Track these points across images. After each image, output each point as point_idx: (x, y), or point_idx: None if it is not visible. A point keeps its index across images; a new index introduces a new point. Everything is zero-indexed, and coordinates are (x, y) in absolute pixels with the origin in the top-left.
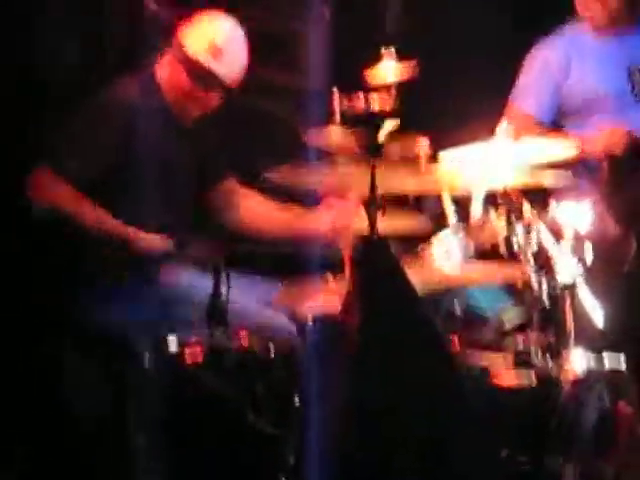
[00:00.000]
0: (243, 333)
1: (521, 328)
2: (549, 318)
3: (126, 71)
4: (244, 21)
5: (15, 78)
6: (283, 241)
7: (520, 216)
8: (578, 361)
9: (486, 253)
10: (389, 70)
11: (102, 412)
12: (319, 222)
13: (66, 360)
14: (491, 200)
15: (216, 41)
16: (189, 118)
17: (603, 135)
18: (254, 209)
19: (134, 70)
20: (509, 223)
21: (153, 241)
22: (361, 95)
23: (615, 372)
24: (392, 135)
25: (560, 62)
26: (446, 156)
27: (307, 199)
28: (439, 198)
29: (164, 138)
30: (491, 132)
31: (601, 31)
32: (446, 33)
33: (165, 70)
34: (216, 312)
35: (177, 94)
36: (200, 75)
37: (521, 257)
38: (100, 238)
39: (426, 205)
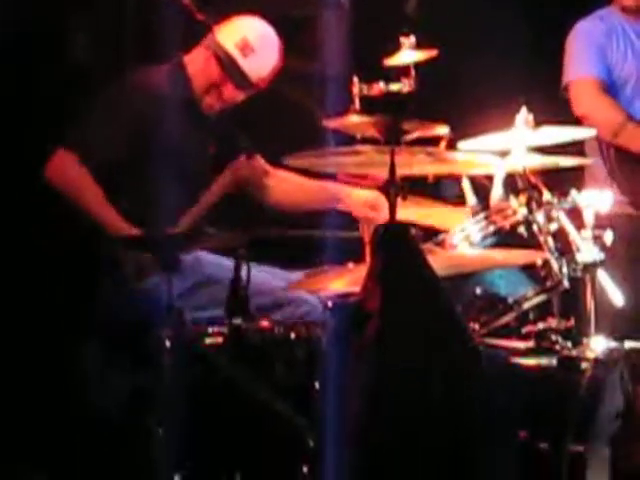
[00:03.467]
0: (264, 319)
1: (542, 313)
2: (570, 302)
3: (151, 59)
4: (263, 7)
5: (39, 62)
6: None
7: (540, 200)
8: (599, 345)
9: (506, 238)
10: (408, 56)
11: (125, 398)
12: (360, 201)
13: (89, 346)
14: (511, 185)
15: (248, 38)
16: (212, 110)
17: None
18: (286, 184)
19: (160, 59)
20: (529, 207)
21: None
22: (381, 81)
23: (636, 353)
24: (412, 121)
25: (602, 34)
26: (466, 144)
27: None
28: (459, 183)
29: (186, 126)
30: (510, 121)
31: (632, 16)
32: (466, 19)
33: (196, 61)
34: (237, 299)
35: (205, 85)
36: (229, 68)
37: (541, 241)
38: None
39: (445, 190)
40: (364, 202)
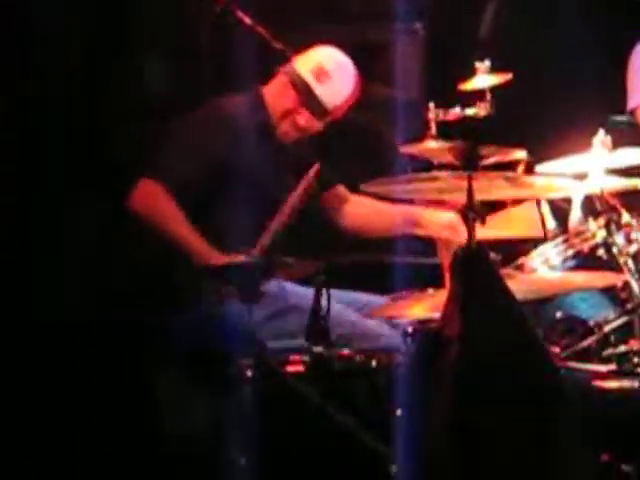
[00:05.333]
0: (345, 348)
1: (623, 335)
2: None
3: (229, 88)
4: (340, 33)
5: (123, 92)
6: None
7: (619, 223)
8: None
9: (586, 260)
10: (484, 80)
11: (207, 429)
12: (439, 222)
13: (169, 376)
14: (590, 207)
15: (324, 65)
16: (288, 138)
17: None
18: (365, 209)
19: (239, 89)
20: (608, 230)
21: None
22: (457, 107)
23: None
24: (489, 146)
25: None
26: (543, 168)
27: None
28: (538, 207)
29: (264, 154)
30: (588, 144)
31: None
32: (542, 45)
33: (273, 90)
34: (317, 327)
35: (281, 112)
36: (304, 94)
37: (621, 263)
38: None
39: None
40: (442, 223)
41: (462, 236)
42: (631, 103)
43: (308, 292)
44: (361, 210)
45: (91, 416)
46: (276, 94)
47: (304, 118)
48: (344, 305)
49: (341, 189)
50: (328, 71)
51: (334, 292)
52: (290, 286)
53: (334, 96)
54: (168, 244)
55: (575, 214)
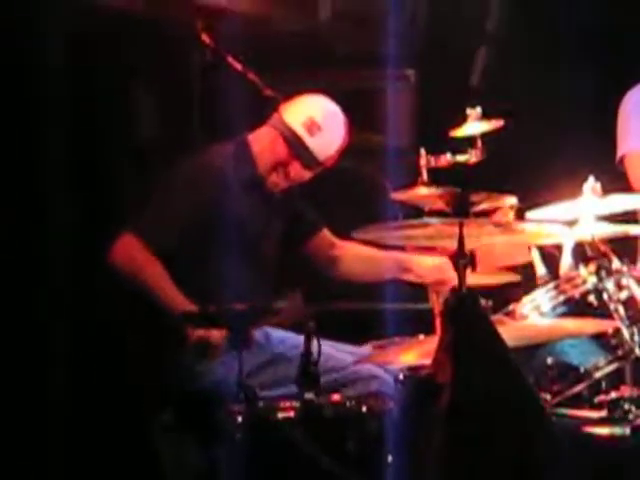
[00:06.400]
0: (335, 394)
1: (614, 382)
2: None
3: (218, 135)
4: (331, 80)
5: (106, 144)
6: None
7: (610, 269)
8: None
9: (577, 307)
10: (475, 127)
11: (195, 472)
12: (428, 267)
13: (160, 424)
14: (580, 253)
15: (315, 118)
16: (277, 188)
17: None
18: (353, 254)
19: (229, 135)
20: (599, 276)
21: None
22: (448, 153)
23: None
24: (480, 193)
25: None
26: (534, 214)
27: None
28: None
29: (252, 206)
30: (578, 190)
31: None
32: (534, 93)
33: (261, 140)
34: (308, 373)
35: (271, 164)
36: (296, 148)
37: (612, 310)
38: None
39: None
40: (431, 267)
41: (451, 279)
42: (618, 152)
43: (293, 338)
44: (349, 255)
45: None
46: (266, 146)
47: (295, 169)
48: (333, 350)
49: (327, 234)
50: (319, 123)
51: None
52: (275, 333)
53: (326, 147)
54: (147, 297)
55: (566, 260)
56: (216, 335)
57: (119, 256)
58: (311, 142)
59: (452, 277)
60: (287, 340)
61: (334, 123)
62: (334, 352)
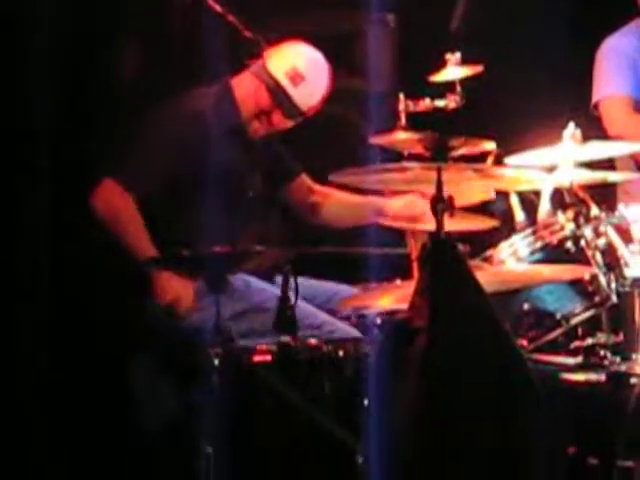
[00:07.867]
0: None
1: (590, 328)
2: (618, 318)
3: (201, 77)
4: (310, 24)
5: (86, 88)
6: (361, 231)
7: (588, 216)
8: None
9: (554, 253)
10: (454, 72)
11: (174, 416)
12: (399, 206)
13: (137, 364)
14: (558, 200)
15: (299, 68)
16: (258, 134)
17: None
18: (331, 200)
19: (210, 77)
20: (577, 222)
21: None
22: (427, 98)
23: None
24: (458, 138)
25: (631, 47)
26: (513, 160)
27: None
28: (506, 198)
29: (233, 151)
30: (558, 136)
31: None
32: (511, 37)
33: (244, 86)
34: (285, 317)
35: (254, 112)
36: (279, 98)
37: (589, 256)
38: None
39: (493, 206)
40: (402, 205)
41: (423, 214)
42: (593, 98)
43: (273, 291)
44: (326, 201)
45: (59, 403)
46: (248, 93)
47: (277, 118)
48: (313, 299)
49: (305, 179)
50: (302, 73)
51: (304, 280)
52: (255, 283)
53: (309, 97)
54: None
55: (544, 207)
56: (185, 297)
57: (100, 201)
58: (294, 93)
59: (424, 212)
60: (267, 290)
61: (317, 73)
62: (311, 308)
